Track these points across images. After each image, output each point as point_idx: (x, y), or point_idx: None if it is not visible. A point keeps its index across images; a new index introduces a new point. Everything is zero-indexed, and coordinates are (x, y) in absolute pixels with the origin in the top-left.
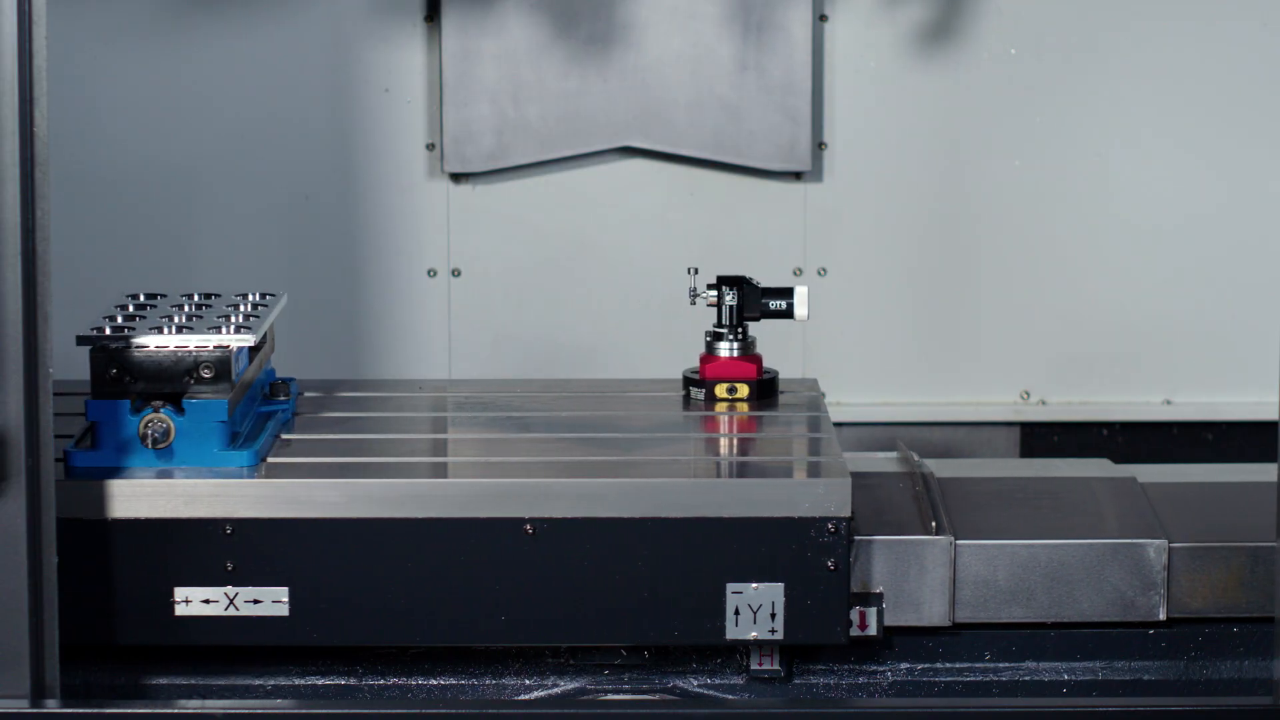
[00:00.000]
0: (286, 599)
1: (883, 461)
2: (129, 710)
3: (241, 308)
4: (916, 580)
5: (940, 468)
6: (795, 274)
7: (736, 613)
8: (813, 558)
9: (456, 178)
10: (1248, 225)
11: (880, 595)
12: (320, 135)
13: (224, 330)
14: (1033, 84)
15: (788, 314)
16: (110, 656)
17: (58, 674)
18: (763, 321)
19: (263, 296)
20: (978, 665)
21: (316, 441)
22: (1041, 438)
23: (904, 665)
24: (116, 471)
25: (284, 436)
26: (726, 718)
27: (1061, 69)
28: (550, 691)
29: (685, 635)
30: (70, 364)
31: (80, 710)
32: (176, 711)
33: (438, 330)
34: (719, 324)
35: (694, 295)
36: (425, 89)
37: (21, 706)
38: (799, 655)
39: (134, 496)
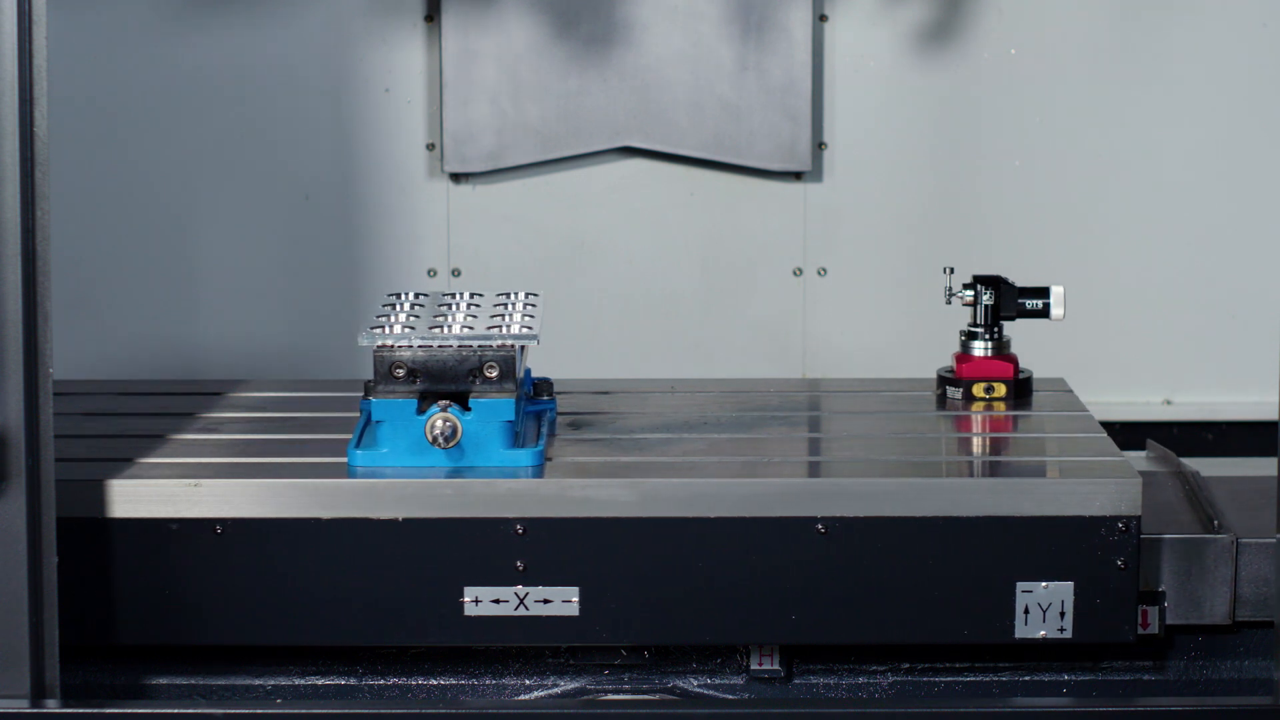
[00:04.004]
0: (576, 599)
1: (1140, 461)
2: (129, 710)
3: (509, 306)
4: (1198, 579)
5: (1201, 467)
6: (795, 274)
7: (1026, 611)
8: (1103, 556)
9: (456, 178)
10: (1248, 226)
11: (1163, 594)
12: (320, 135)
13: (503, 328)
14: (1033, 84)
15: (1044, 314)
16: (110, 656)
17: (58, 674)
18: (764, 318)
19: (528, 295)
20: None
21: (593, 441)
22: None
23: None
24: (404, 471)
25: (558, 436)
26: (726, 718)
27: (1061, 69)
28: (550, 691)
29: (973, 634)
30: (71, 364)
31: (80, 710)
32: (176, 711)
33: None
34: (974, 323)
35: (949, 294)
36: (425, 89)
37: (21, 706)
38: (798, 655)
39: (425, 496)
